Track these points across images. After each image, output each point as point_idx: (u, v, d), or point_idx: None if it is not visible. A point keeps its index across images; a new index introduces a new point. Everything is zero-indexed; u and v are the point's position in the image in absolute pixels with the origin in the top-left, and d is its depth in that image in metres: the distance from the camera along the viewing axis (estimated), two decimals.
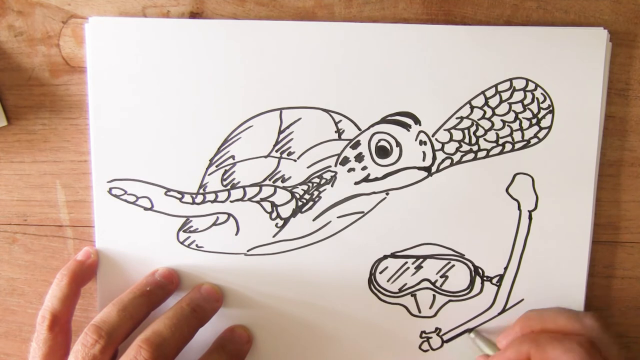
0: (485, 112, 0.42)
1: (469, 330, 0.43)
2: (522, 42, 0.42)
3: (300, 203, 0.43)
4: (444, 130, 0.42)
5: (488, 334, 0.43)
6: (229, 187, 0.43)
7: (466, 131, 0.42)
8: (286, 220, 0.43)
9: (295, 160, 0.42)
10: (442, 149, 0.42)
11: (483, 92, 0.42)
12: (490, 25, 0.42)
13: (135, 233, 0.43)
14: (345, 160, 0.43)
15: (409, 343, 0.44)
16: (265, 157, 0.42)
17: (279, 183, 0.43)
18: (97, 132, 0.42)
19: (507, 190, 0.43)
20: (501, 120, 0.42)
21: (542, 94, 0.42)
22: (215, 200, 0.43)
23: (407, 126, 0.42)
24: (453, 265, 0.43)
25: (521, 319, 0.42)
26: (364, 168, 0.43)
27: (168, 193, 0.43)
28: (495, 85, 0.42)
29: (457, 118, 0.42)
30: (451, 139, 0.42)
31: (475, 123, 0.42)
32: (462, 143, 0.42)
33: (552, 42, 0.42)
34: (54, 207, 0.44)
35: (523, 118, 0.42)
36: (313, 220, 0.43)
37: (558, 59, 0.42)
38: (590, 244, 0.43)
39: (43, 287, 0.44)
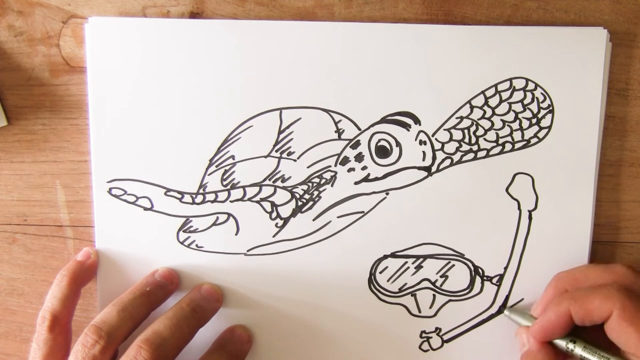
0: (485, 112, 0.42)
1: (502, 308, 0.43)
2: (522, 42, 0.42)
3: (300, 203, 0.43)
4: (444, 130, 0.42)
5: (517, 312, 0.43)
6: (229, 187, 0.43)
7: (466, 131, 0.42)
8: (286, 220, 0.43)
9: (295, 160, 0.42)
10: (442, 149, 0.42)
11: (483, 92, 0.42)
12: (490, 25, 0.42)
13: (135, 233, 0.43)
14: (345, 160, 0.43)
15: (409, 343, 0.44)
16: (265, 157, 0.42)
17: (279, 183, 0.43)
18: (97, 132, 0.42)
19: (507, 190, 0.43)
20: (501, 120, 0.42)
21: (542, 93, 0.42)
22: (215, 200, 0.43)
23: (407, 126, 0.42)
24: (453, 265, 0.43)
25: (552, 282, 0.41)
26: (364, 168, 0.43)
27: (168, 193, 0.43)
28: (495, 85, 0.42)
29: (457, 118, 0.42)
30: (451, 139, 0.42)
31: (475, 123, 0.42)
32: (462, 143, 0.42)
33: (552, 42, 0.42)
34: (54, 207, 0.44)
35: (523, 118, 0.42)
36: (313, 220, 0.43)
37: (558, 59, 0.42)
38: (590, 244, 0.43)
39: (43, 287, 0.44)
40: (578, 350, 0.39)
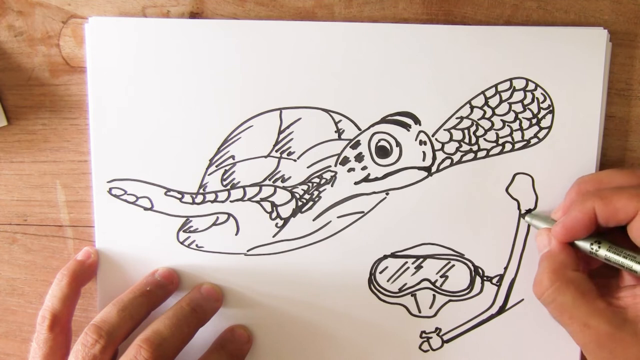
0: (485, 112, 0.42)
1: (523, 215, 0.42)
2: (522, 42, 0.42)
3: (300, 203, 0.43)
4: (444, 130, 0.42)
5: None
6: (229, 187, 0.43)
7: (466, 131, 0.42)
8: (286, 220, 0.43)
9: (295, 160, 0.43)
10: (442, 149, 0.42)
11: (483, 92, 0.42)
12: (490, 25, 0.42)
13: (135, 233, 0.43)
14: (345, 160, 0.43)
15: (409, 343, 0.44)
16: (265, 157, 0.43)
17: (279, 183, 0.43)
18: (97, 132, 0.42)
19: (507, 190, 0.43)
20: (501, 120, 0.42)
21: (542, 94, 0.42)
22: (215, 200, 0.43)
23: (407, 126, 0.42)
24: (453, 265, 0.43)
25: (576, 183, 0.41)
26: (364, 168, 0.43)
27: (168, 193, 0.43)
28: (495, 85, 0.42)
29: (457, 118, 0.42)
30: (451, 139, 0.42)
31: (475, 123, 0.42)
32: (462, 143, 0.42)
33: (552, 42, 0.42)
34: (54, 207, 0.44)
35: (523, 118, 0.42)
36: (313, 220, 0.43)
37: (558, 59, 0.42)
38: None
39: (43, 287, 0.44)
40: (602, 251, 0.37)
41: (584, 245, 0.38)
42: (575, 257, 0.38)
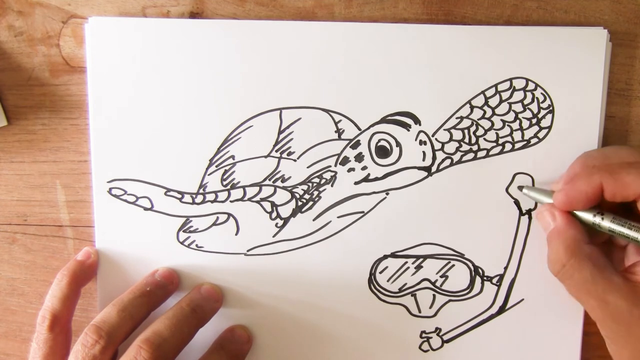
0: (485, 112, 0.42)
1: (521, 188, 0.41)
2: (522, 42, 0.42)
3: (300, 203, 0.43)
4: (444, 130, 0.42)
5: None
6: (229, 187, 0.43)
7: (466, 131, 0.42)
8: (286, 220, 0.43)
9: (295, 160, 0.43)
10: (442, 149, 0.42)
11: (483, 92, 0.42)
12: (490, 25, 0.42)
13: (135, 233, 0.43)
14: (345, 160, 0.43)
15: (409, 343, 0.44)
16: (265, 157, 0.43)
17: (279, 183, 0.43)
18: (97, 132, 0.42)
19: (507, 190, 0.43)
20: (501, 120, 0.42)
21: (542, 93, 0.42)
22: (215, 200, 0.43)
23: (407, 126, 0.42)
24: (453, 265, 0.43)
25: (581, 157, 0.40)
26: (364, 168, 0.43)
27: (168, 193, 0.43)
28: (495, 85, 0.42)
29: (457, 118, 0.42)
30: (451, 139, 0.42)
31: (475, 123, 0.42)
32: (462, 143, 0.42)
33: (552, 42, 0.42)
34: (54, 207, 0.44)
35: (523, 118, 0.42)
36: (313, 220, 0.43)
37: (558, 59, 0.42)
38: None
39: (43, 287, 0.44)
40: (606, 222, 0.37)
41: (587, 216, 0.38)
42: (582, 232, 0.38)
